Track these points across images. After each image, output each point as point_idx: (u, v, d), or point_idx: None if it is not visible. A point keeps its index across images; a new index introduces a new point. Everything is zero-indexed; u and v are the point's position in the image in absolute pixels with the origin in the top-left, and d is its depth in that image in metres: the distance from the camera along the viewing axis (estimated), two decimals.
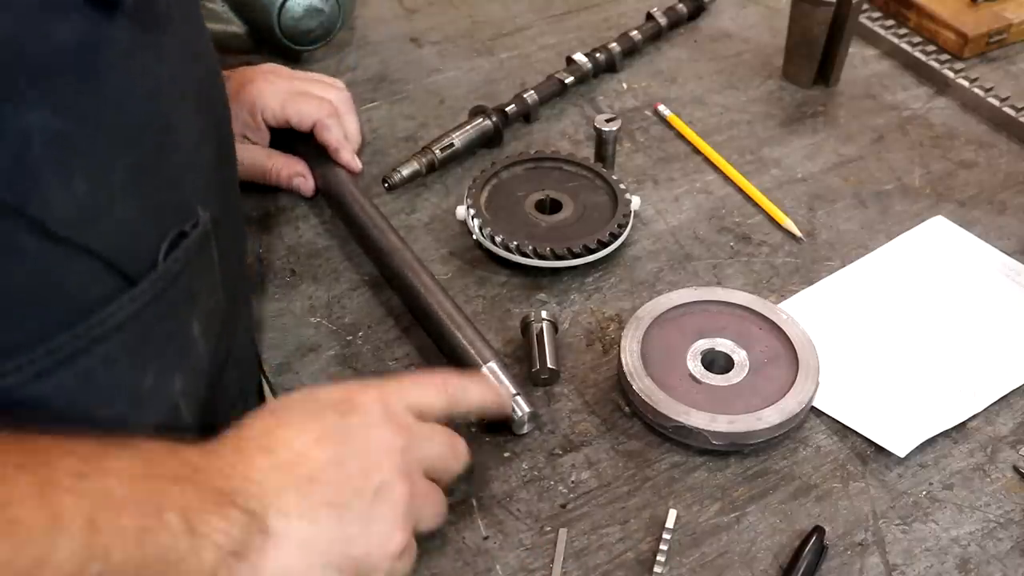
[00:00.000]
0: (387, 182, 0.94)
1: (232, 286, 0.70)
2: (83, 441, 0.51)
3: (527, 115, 1.03)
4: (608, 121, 0.93)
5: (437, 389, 0.66)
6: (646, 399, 0.73)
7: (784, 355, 0.76)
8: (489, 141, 1.00)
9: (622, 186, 0.90)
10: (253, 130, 0.92)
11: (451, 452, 0.66)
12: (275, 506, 0.56)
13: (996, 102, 1.04)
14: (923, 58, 1.11)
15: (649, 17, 1.16)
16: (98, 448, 0.51)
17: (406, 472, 0.61)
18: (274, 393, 0.78)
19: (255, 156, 0.92)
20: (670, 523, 0.68)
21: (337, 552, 0.58)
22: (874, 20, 1.17)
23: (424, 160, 0.95)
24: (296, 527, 0.56)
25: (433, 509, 0.64)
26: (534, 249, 0.84)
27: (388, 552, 0.59)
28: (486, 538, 0.68)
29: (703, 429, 0.71)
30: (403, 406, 0.64)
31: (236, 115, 0.90)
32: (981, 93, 1.05)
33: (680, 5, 1.17)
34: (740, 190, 0.96)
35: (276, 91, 0.92)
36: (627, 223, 0.88)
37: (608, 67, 1.10)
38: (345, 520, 0.58)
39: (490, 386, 0.72)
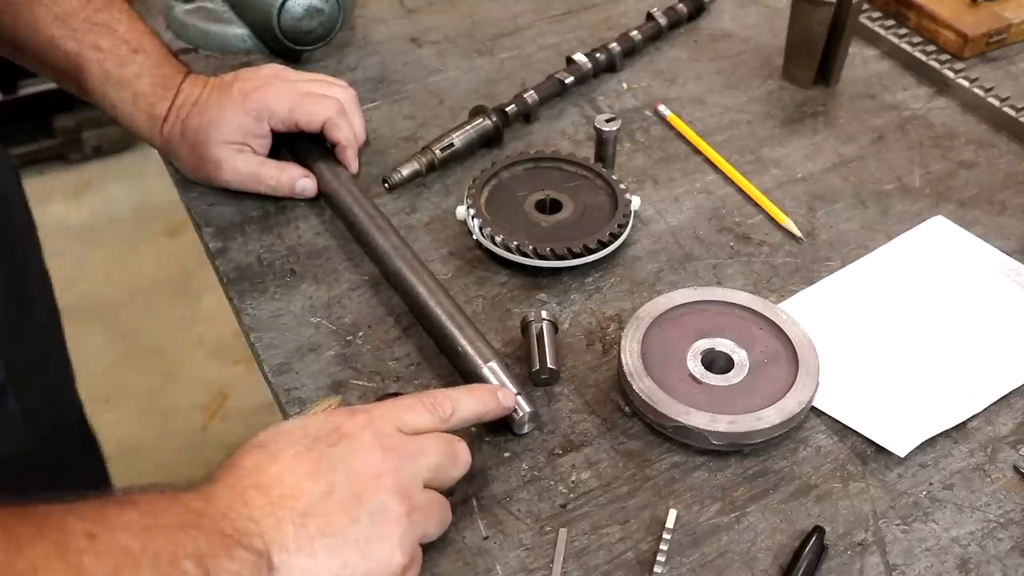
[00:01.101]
0: (387, 182, 0.94)
1: (44, 425, 0.68)
2: (84, 504, 0.52)
3: (527, 115, 1.03)
4: (608, 121, 0.93)
5: (428, 410, 0.67)
6: (646, 399, 0.73)
7: (784, 355, 0.76)
8: (489, 141, 1.00)
9: (622, 186, 0.90)
10: (255, 137, 0.91)
11: (449, 459, 0.66)
12: (275, 542, 0.57)
13: (996, 102, 1.04)
14: (923, 58, 1.10)
15: (649, 17, 1.16)
16: (100, 508, 0.52)
17: (401, 491, 0.61)
18: (274, 393, 0.78)
19: (248, 164, 0.91)
20: (670, 523, 0.68)
21: None
22: (874, 20, 1.17)
23: (424, 160, 0.95)
24: (296, 561, 0.58)
25: (437, 518, 0.65)
26: (534, 249, 0.84)
27: (390, 572, 0.60)
28: (486, 538, 0.68)
29: (703, 429, 0.71)
30: (392, 428, 0.64)
31: (239, 123, 0.90)
32: (981, 93, 1.05)
33: (680, 5, 1.17)
34: (740, 190, 0.96)
35: (283, 96, 0.92)
36: (627, 223, 0.88)
37: (608, 67, 1.10)
38: (342, 548, 0.59)
39: (486, 393, 0.71)
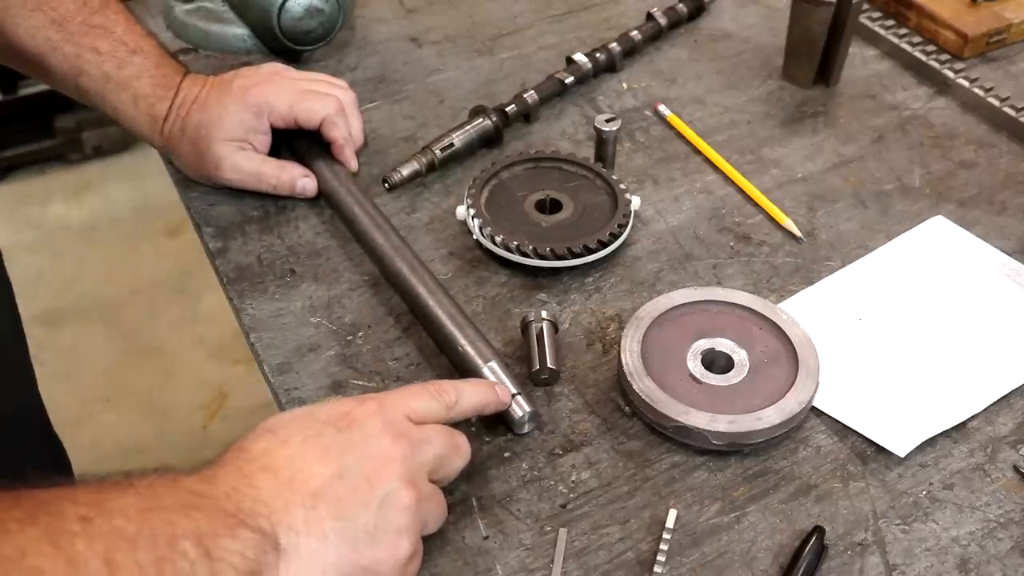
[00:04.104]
0: (387, 182, 0.94)
1: (9, 435, 0.67)
2: (81, 488, 0.52)
3: (527, 115, 1.03)
4: (608, 121, 0.93)
5: (434, 397, 0.67)
6: (646, 399, 0.73)
7: (784, 355, 0.76)
8: (489, 141, 1.00)
9: (622, 186, 0.90)
10: (256, 133, 0.91)
11: (453, 450, 0.66)
12: (284, 523, 0.57)
13: (996, 102, 1.04)
14: (923, 58, 1.10)
15: (649, 17, 1.16)
16: (98, 492, 0.52)
17: (410, 479, 0.62)
18: (274, 393, 0.78)
19: (250, 163, 0.92)
20: (670, 523, 0.68)
21: (346, 564, 0.58)
22: (874, 20, 1.17)
23: (424, 160, 0.95)
24: (304, 543, 0.57)
25: (439, 510, 0.65)
26: (534, 249, 0.84)
27: (397, 559, 0.60)
28: (486, 538, 0.68)
29: (703, 429, 0.71)
30: (401, 415, 0.64)
31: (240, 119, 0.90)
32: (981, 93, 1.05)
33: (680, 5, 1.17)
34: (740, 190, 0.96)
35: (283, 92, 0.92)
36: (627, 223, 0.88)
37: (608, 67, 1.10)
38: (352, 533, 0.59)
39: (487, 386, 0.72)
